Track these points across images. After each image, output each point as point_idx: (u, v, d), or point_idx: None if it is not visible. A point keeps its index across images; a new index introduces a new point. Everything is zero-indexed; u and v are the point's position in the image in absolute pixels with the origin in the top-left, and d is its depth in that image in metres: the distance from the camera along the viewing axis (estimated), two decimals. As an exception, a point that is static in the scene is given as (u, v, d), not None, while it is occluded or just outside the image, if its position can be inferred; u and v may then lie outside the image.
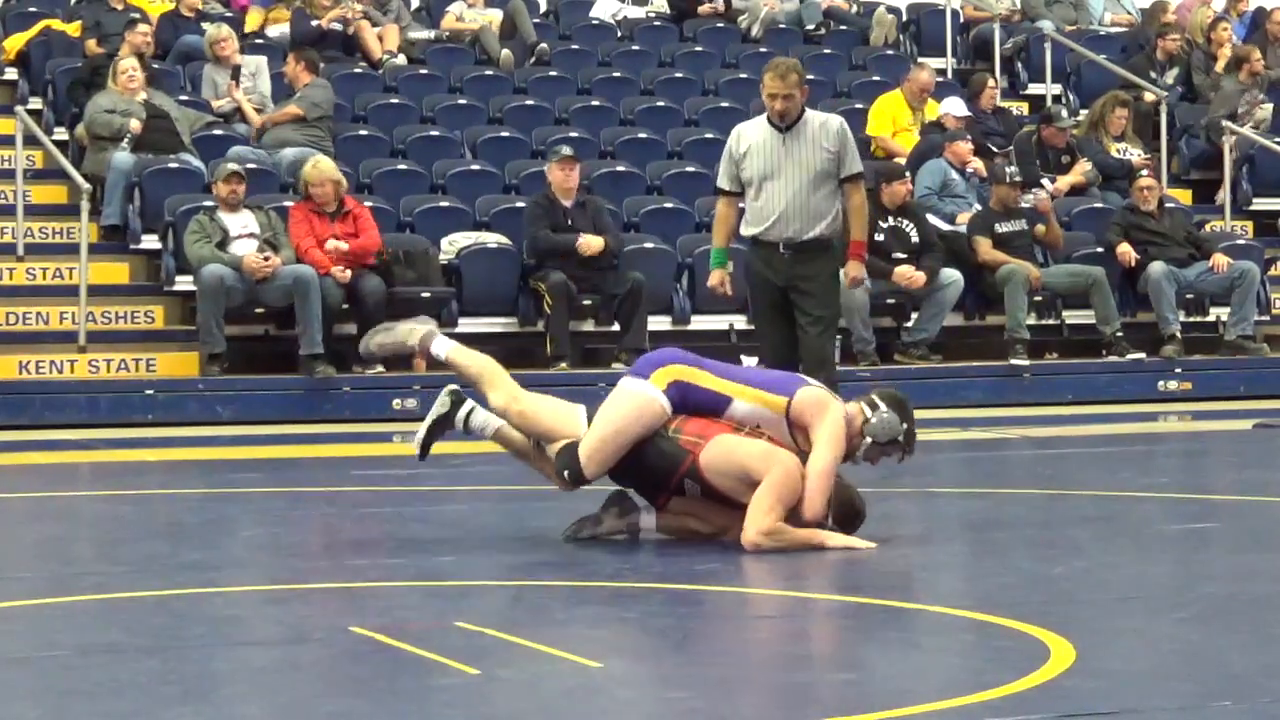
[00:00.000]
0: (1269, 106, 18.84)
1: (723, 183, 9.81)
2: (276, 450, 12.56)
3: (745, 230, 9.78)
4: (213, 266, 13.86)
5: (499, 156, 16.61)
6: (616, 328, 14.90)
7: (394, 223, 15.33)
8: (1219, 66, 19.04)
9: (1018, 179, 15.84)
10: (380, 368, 14.35)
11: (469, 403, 7.94)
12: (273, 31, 18.07)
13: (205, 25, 17.65)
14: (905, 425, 7.81)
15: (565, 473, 7.65)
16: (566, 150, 15.11)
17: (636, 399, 7.70)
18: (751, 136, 9.65)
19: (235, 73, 16.50)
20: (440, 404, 7.92)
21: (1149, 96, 18.56)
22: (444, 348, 7.98)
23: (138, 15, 17.09)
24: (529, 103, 17.66)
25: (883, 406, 7.80)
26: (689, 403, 7.73)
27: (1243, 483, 10.62)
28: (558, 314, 14.64)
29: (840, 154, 9.58)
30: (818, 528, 7.65)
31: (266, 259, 13.88)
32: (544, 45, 18.53)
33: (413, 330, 8.03)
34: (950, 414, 14.51)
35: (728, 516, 7.71)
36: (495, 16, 18.88)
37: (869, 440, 7.75)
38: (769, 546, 7.47)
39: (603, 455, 7.66)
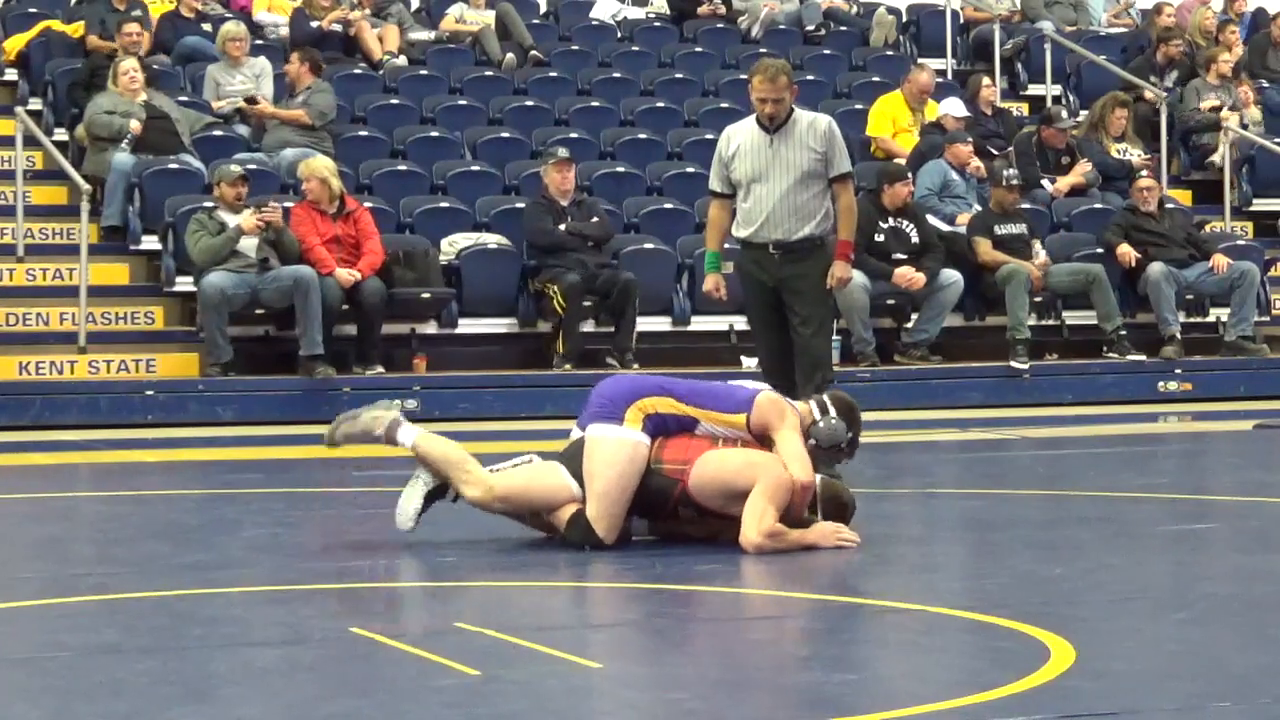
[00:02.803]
0: (1258, 107, 18.85)
1: (714, 185, 9.77)
2: (276, 451, 12.56)
3: (736, 232, 9.75)
4: (213, 277, 13.86)
5: (499, 157, 16.62)
6: (613, 328, 14.91)
7: (394, 223, 15.33)
8: (1209, 72, 18.97)
9: (1013, 182, 15.82)
10: (380, 368, 14.36)
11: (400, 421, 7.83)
12: (273, 18, 18.09)
13: (205, 26, 17.66)
14: (850, 434, 7.86)
15: (586, 547, 7.60)
16: (563, 152, 15.15)
17: (624, 448, 7.64)
18: (740, 138, 9.61)
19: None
20: (424, 479, 7.80)
21: (1149, 97, 18.55)
22: (410, 436, 7.79)
23: (137, 13, 17.06)
24: (529, 103, 17.67)
25: (832, 412, 7.85)
26: (663, 427, 7.74)
27: (1243, 483, 10.62)
28: (571, 315, 14.65)
29: (828, 154, 9.53)
30: (808, 521, 7.67)
31: (269, 214, 13.88)
32: (535, 52, 18.53)
33: (377, 418, 7.81)
34: (950, 414, 14.52)
35: (722, 520, 7.72)
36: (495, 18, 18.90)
37: (812, 442, 7.79)
38: (770, 547, 7.48)
39: (614, 516, 7.63)
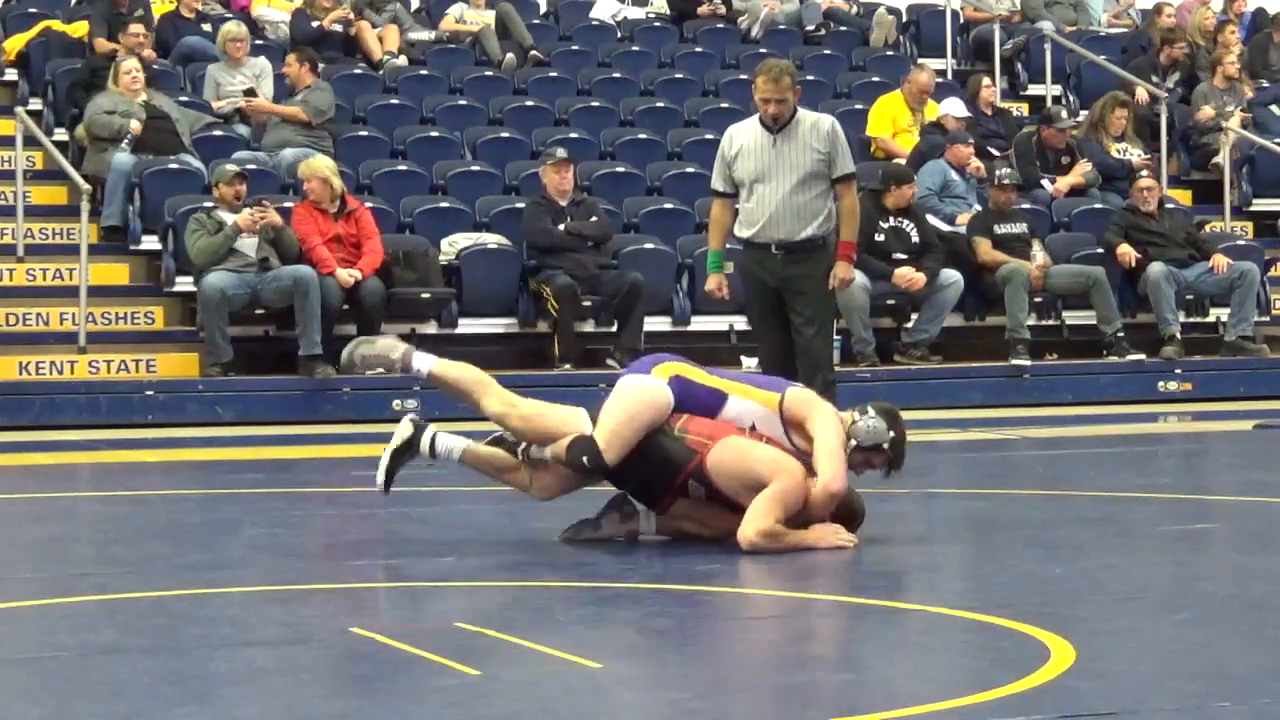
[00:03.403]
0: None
1: (716, 184, 9.80)
2: (276, 451, 12.56)
3: (739, 232, 9.80)
4: (213, 277, 13.87)
5: (499, 157, 16.62)
6: (615, 328, 14.91)
7: (394, 223, 15.33)
8: (1216, 75, 18.99)
9: (1005, 182, 15.80)
10: (380, 369, 14.34)
11: (431, 428, 7.81)
12: (270, 14, 18.09)
13: (205, 26, 17.66)
14: (893, 434, 7.76)
15: (585, 459, 7.56)
16: (561, 153, 15.15)
17: (643, 390, 7.68)
18: (743, 138, 9.63)
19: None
20: (401, 431, 7.79)
21: (1142, 98, 18.52)
22: (426, 363, 7.86)
23: (140, 13, 17.05)
24: (529, 103, 17.67)
25: (871, 412, 7.80)
26: (688, 399, 7.71)
27: (1243, 483, 10.61)
28: (565, 316, 14.66)
29: (831, 154, 9.56)
30: (824, 519, 7.66)
31: (260, 215, 13.89)
32: (535, 52, 18.53)
33: (394, 345, 7.92)
34: (950, 414, 14.52)
35: (728, 521, 7.69)
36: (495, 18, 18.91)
37: (854, 443, 7.71)
38: (766, 547, 7.47)
39: (620, 441, 7.58)
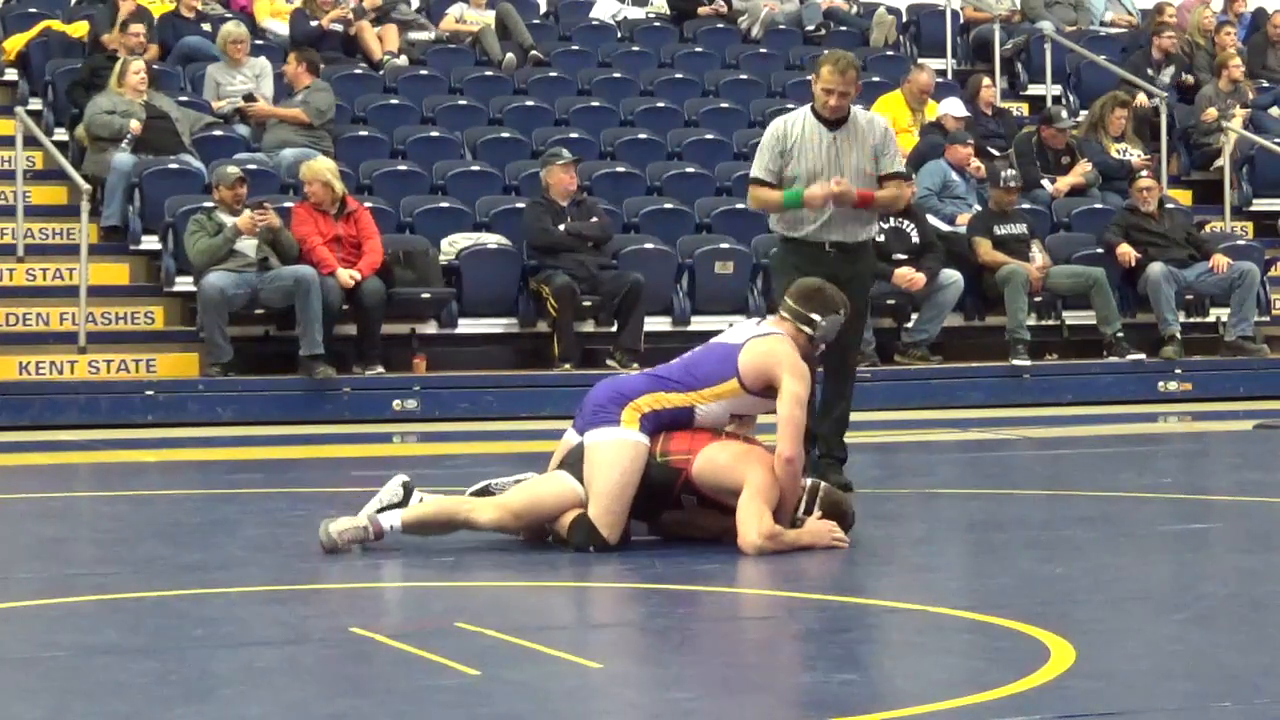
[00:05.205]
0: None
1: (759, 173, 9.37)
2: (276, 451, 12.56)
3: (785, 231, 9.44)
4: (212, 277, 13.86)
5: (499, 157, 16.61)
6: (615, 328, 14.91)
7: (394, 223, 15.33)
8: (1221, 78, 18.98)
9: (1011, 185, 15.79)
10: (380, 368, 14.36)
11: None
12: (275, 25, 18.10)
13: (205, 26, 17.65)
14: (842, 311, 8.07)
15: (591, 547, 7.58)
16: (568, 154, 15.14)
17: (624, 449, 7.64)
18: (799, 131, 9.31)
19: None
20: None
21: (1142, 103, 18.51)
22: (394, 518, 7.71)
23: (139, 18, 17.04)
24: (529, 103, 17.66)
25: (816, 316, 7.97)
26: (661, 426, 7.74)
27: (1243, 483, 10.62)
28: (564, 316, 14.65)
29: (881, 151, 9.35)
30: (801, 521, 7.67)
31: (261, 216, 13.89)
32: (535, 52, 18.53)
33: (353, 519, 7.71)
34: (950, 414, 14.52)
35: (720, 521, 7.72)
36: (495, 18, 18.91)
37: (822, 346, 8.06)
38: (771, 549, 7.47)
39: (617, 516, 7.62)
